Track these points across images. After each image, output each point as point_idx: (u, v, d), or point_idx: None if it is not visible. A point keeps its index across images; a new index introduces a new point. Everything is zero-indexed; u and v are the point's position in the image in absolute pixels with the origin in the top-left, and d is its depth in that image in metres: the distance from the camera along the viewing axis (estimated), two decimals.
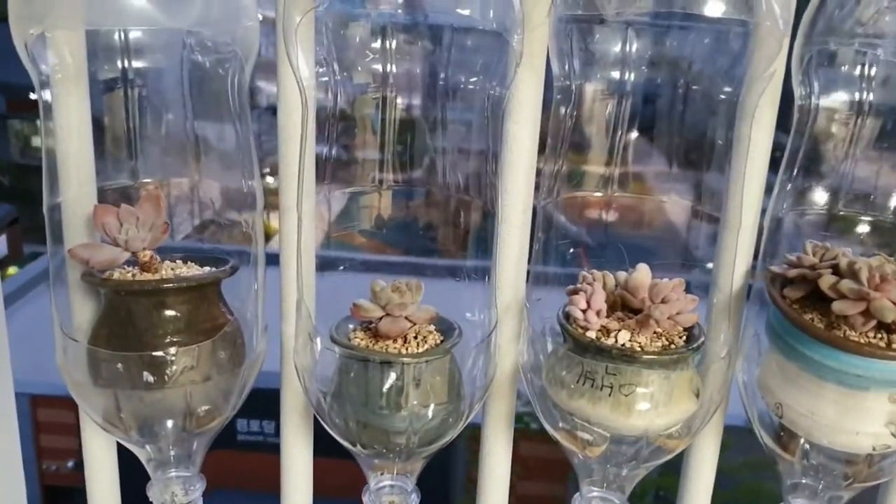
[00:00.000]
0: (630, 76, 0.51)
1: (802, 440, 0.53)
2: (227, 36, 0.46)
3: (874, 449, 0.50)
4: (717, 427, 0.59)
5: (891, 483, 0.59)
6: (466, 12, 0.44)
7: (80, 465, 0.61)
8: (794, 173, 0.53)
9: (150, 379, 0.48)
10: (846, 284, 0.48)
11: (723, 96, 0.49)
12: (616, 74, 0.51)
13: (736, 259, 0.52)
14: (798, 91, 0.50)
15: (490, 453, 0.60)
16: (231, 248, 0.56)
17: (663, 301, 0.48)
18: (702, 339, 0.50)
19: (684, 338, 0.51)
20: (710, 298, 0.54)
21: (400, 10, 0.44)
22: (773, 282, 0.52)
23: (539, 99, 0.51)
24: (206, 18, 0.44)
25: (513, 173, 0.53)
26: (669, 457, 0.53)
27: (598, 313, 0.50)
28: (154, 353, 0.48)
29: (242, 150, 0.51)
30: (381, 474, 0.57)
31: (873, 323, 0.47)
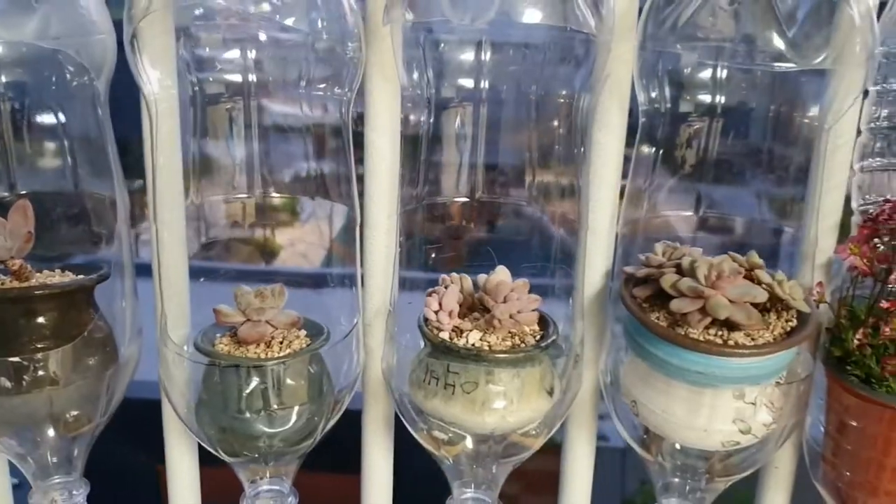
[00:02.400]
0: (483, 83, 0.52)
1: (664, 439, 0.54)
2: (71, 49, 0.47)
3: (723, 446, 0.51)
4: (589, 425, 0.59)
5: (763, 477, 0.60)
6: (290, 21, 0.45)
7: None
8: (649, 176, 0.54)
9: (7, 384, 0.49)
10: (685, 283, 0.49)
11: (568, 101, 0.51)
12: (468, 83, 0.52)
13: (586, 260, 0.54)
14: (640, 96, 0.51)
15: (370, 455, 0.61)
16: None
17: (505, 301, 0.49)
18: (553, 338, 0.51)
19: (539, 336, 0.52)
20: (572, 299, 0.55)
21: (238, 21, 0.46)
22: (627, 282, 0.53)
23: (396, 107, 0.53)
24: (44, 32, 0.45)
25: (375, 180, 0.54)
26: (529, 453, 0.54)
27: (450, 314, 0.51)
28: (10, 359, 0.49)
29: (103, 160, 0.53)
30: (260, 479, 0.57)
31: (709, 320, 0.48)
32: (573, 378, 0.53)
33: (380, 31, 0.50)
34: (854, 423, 0.52)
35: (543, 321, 0.53)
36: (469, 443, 0.53)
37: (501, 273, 0.52)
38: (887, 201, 0.53)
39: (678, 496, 0.57)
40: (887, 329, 0.48)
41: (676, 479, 0.56)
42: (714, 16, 0.48)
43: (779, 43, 0.44)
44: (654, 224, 0.55)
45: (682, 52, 0.49)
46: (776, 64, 0.45)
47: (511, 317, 0.49)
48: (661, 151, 0.53)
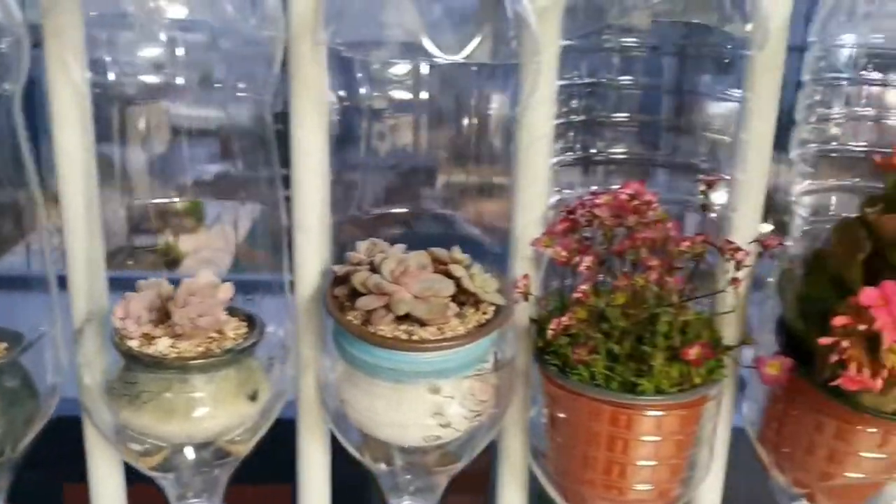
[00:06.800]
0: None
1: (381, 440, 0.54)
2: None
3: (425, 441, 0.50)
4: (320, 430, 0.58)
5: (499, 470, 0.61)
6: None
7: None
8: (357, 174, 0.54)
9: None
10: (372, 279, 0.48)
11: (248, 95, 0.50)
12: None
13: (298, 260, 0.53)
14: (330, 95, 0.50)
15: (95, 469, 0.58)
16: None
17: (184, 305, 0.48)
18: (252, 341, 0.50)
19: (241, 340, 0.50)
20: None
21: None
22: (334, 282, 0.52)
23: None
24: None
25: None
26: (239, 458, 0.53)
27: (137, 321, 0.49)
28: None
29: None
30: None
31: (393, 316, 0.48)
32: (274, 382, 0.52)
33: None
34: (560, 415, 0.53)
35: (253, 324, 0.52)
36: (170, 452, 0.51)
37: (201, 276, 0.51)
38: (594, 194, 0.54)
39: (408, 494, 0.56)
40: (565, 318, 0.49)
41: (407, 477, 0.56)
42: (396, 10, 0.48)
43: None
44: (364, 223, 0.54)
45: (363, 50, 0.48)
46: (437, 59, 0.45)
47: (191, 321, 0.47)
48: (362, 148, 0.53)
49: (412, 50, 0.46)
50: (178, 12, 0.45)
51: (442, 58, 0.43)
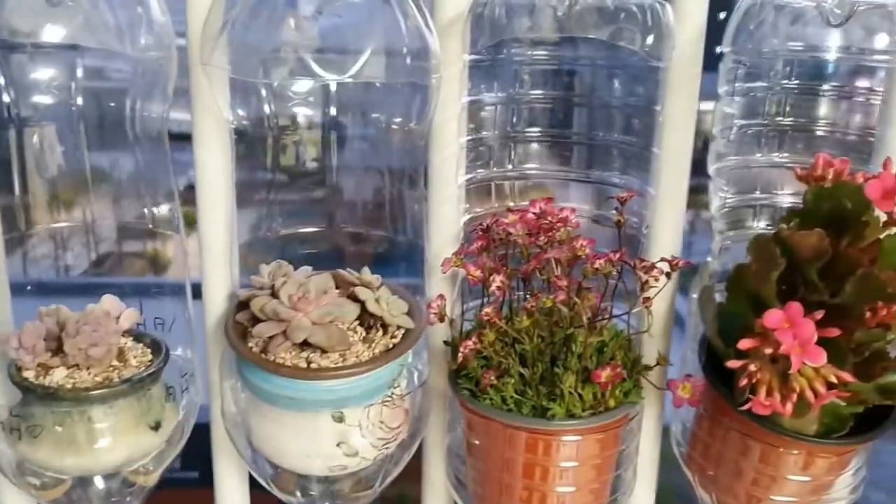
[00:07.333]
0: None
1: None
2: None
3: (331, 470, 0.49)
4: (237, 459, 0.56)
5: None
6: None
7: None
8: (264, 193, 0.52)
9: None
10: (271, 305, 0.47)
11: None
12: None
13: (205, 282, 0.52)
14: (227, 114, 0.49)
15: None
16: None
17: (77, 334, 0.46)
18: (150, 371, 0.48)
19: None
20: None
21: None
22: (238, 307, 0.51)
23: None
24: None
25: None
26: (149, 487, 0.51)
27: (31, 350, 0.47)
28: None
29: None
30: None
31: (291, 343, 0.46)
32: (175, 411, 0.50)
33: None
34: (476, 441, 0.52)
35: (158, 350, 0.51)
36: (70, 486, 0.50)
37: (105, 302, 0.50)
38: (509, 210, 0.52)
39: None
40: (471, 342, 0.48)
41: None
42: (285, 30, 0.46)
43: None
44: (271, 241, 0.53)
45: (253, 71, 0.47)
46: (324, 79, 0.43)
47: (82, 351, 0.46)
48: (271, 168, 0.52)
49: (303, 70, 0.44)
50: (58, 35, 0.43)
51: (326, 77, 0.42)
